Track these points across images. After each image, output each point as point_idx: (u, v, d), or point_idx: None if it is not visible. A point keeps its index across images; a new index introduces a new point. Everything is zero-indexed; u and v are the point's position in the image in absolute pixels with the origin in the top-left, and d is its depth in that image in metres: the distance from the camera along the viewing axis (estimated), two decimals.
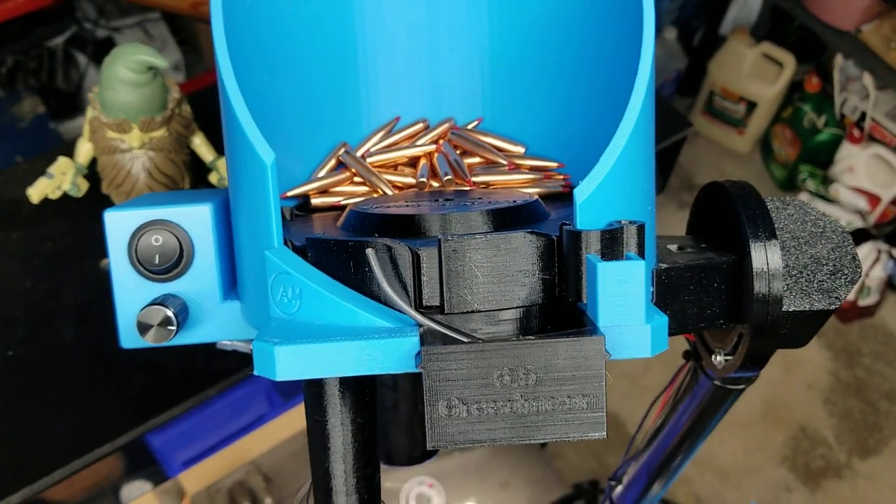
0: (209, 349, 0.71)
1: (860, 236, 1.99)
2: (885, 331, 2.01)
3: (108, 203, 0.77)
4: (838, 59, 2.02)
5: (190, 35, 2.00)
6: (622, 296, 0.34)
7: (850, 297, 1.97)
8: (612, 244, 0.36)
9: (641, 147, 0.39)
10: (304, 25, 0.51)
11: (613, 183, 0.37)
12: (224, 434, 0.90)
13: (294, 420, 0.98)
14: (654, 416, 0.61)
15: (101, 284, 0.74)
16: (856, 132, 1.99)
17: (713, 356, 0.47)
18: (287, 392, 0.93)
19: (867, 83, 1.96)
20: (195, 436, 0.85)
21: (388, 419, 0.49)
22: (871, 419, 1.87)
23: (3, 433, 0.65)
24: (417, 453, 0.50)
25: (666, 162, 0.86)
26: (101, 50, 1.91)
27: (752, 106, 2.15)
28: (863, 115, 1.99)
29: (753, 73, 2.12)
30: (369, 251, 0.36)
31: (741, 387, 0.53)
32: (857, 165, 2.00)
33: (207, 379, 0.68)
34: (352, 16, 0.52)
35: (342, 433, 0.39)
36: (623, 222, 0.36)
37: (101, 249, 0.76)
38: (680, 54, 2.25)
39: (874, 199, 2.01)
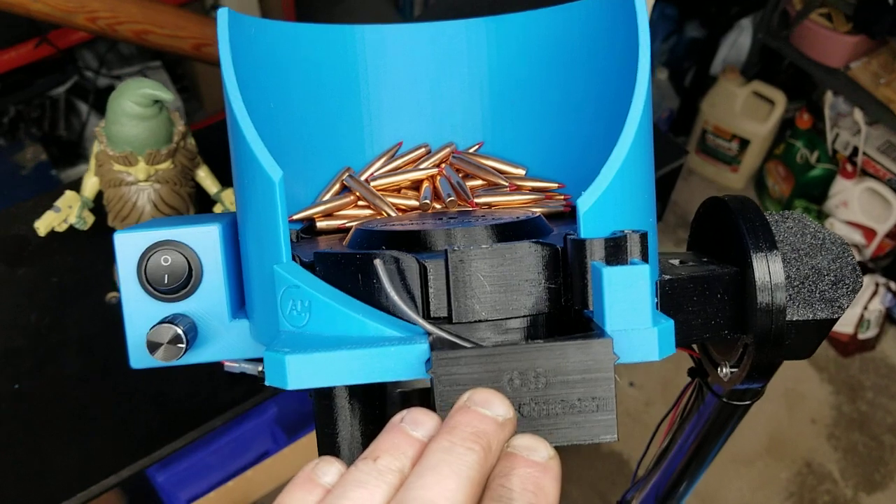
0: (214, 380, 0.72)
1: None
2: (887, 364, 2.01)
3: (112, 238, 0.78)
4: (828, 96, 2.05)
5: (190, 83, 2.03)
6: (628, 300, 0.34)
7: (850, 330, 1.97)
8: (616, 252, 0.36)
9: (641, 160, 0.40)
10: (309, 56, 0.52)
11: (615, 193, 0.38)
12: (228, 471, 0.90)
13: (298, 456, 0.97)
14: (662, 436, 0.61)
15: (106, 317, 0.74)
16: (848, 167, 2.02)
17: (719, 369, 0.48)
18: (291, 428, 0.93)
19: (858, 119, 1.98)
20: (199, 472, 0.84)
21: None
22: (875, 453, 1.86)
23: (8, 465, 0.65)
24: None
25: (663, 189, 0.87)
26: (102, 98, 1.94)
27: (744, 143, 2.18)
28: (855, 150, 2.02)
29: (745, 111, 2.15)
30: (377, 261, 0.36)
31: (747, 402, 0.53)
32: (851, 200, 2.02)
33: (212, 410, 0.68)
34: (355, 47, 0.53)
35: (351, 445, 0.39)
36: (626, 231, 0.37)
37: (106, 283, 0.77)
38: (672, 94, 2.28)
39: (870, 233, 2.02)
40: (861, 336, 1.98)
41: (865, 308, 1.95)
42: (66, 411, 0.68)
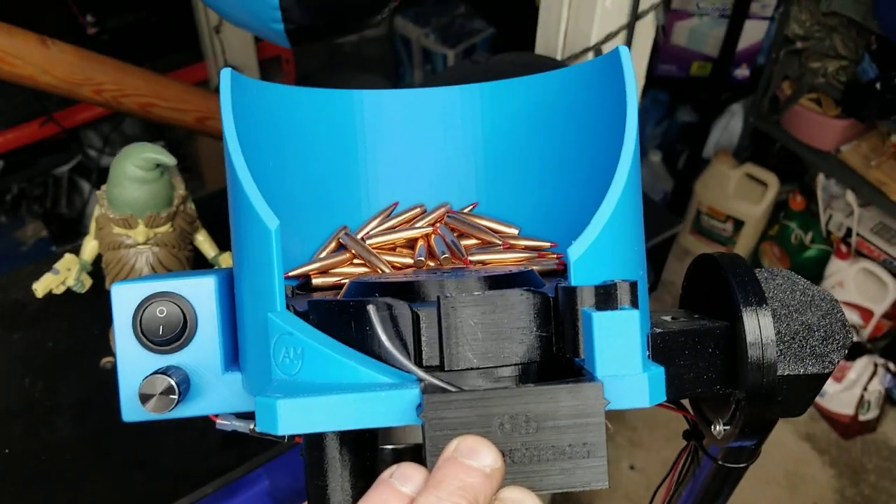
0: (205, 445, 0.71)
1: (855, 351, 1.99)
2: (889, 446, 1.98)
3: (109, 302, 0.78)
4: (820, 178, 2.09)
5: (192, 163, 2.07)
6: (618, 345, 0.35)
7: (851, 411, 1.95)
8: (606, 299, 0.36)
9: (630, 212, 0.41)
10: (309, 118, 0.54)
11: (605, 243, 0.39)
12: None
13: None
14: (660, 502, 0.60)
15: (100, 383, 0.74)
16: (843, 248, 2.03)
17: (713, 426, 0.47)
18: (283, 501, 0.91)
19: (850, 200, 2.01)
20: None
21: None
22: None
23: None
24: None
25: (656, 260, 0.88)
26: (105, 178, 1.97)
27: (739, 224, 2.20)
28: (849, 231, 2.04)
29: (738, 192, 2.18)
30: (370, 308, 0.37)
31: (742, 465, 0.53)
32: (846, 280, 2.03)
33: (204, 476, 0.67)
34: (353, 110, 0.55)
35: (342, 498, 0.39)
36: (616, 280, 0.37)
37: (101, 348, 0.77)
38: (666, 176, 2.32)
39: (867, 314, 2.02)
40: (862, 417, 1.96)
41: (865, 389, 1.94)
42: (56, 477, 0.67)
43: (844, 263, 2.03)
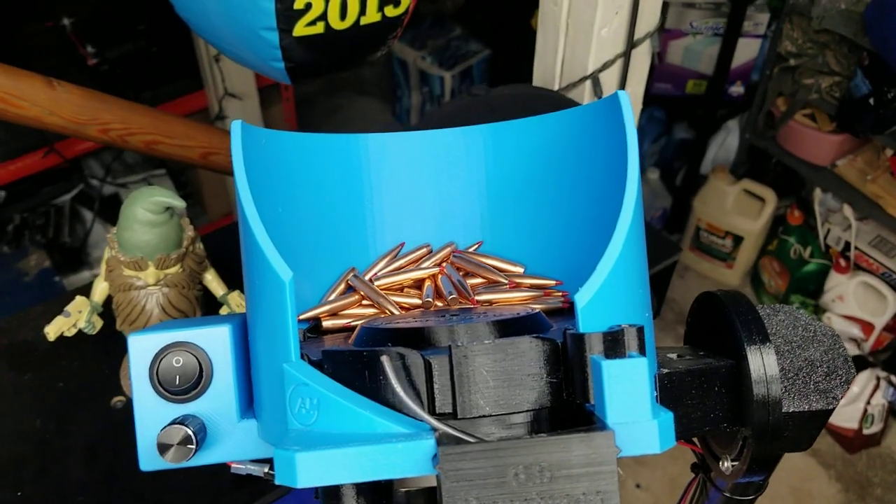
0: (216, 485, 0.71)
1: (857, 364, 2.00)
2: (894, 459, 1.98)
3: (120, 341, 0.79)
4: (818, 193, 2.10)
5: (194, 190, 2.08)
6: (628, 392, 0.35)
7: (855, 426, 1.95)
8: (614, 345, 0.37)
9: (634, 257, 0.42)
10: (315, 163, 0.55)
11: (611, 289, 0.39)
12: None
13: None
14: None
15: (111, 423, 0.75)
16: (842, 262, 2.04)
17: (720, 462, 0.48)
18: None
19: (848, 214, 2.02)
20: None
21: None
22: None
23: None
24: None
25: (659, 285, 0.89)
26: (107, 206, 1.98)
27: (738, 240, 2.21)
28: (847, 245, 2.05)
29: (736, 208, 2.19)
30: (384, 358, 0.38)
31: (750, 497, 0.53)
32: (846, 294, 2.04)
33: None
34: (359, 154, 0.56)
35: None
36: (623, 325, 0.38)
37: (112, 387, 0.77)
38: (664, 193, 2.33)
39: (867, 327, 2.03)
40: (866, 431, 1.96)
41: (868, 403, 1.94)
42: None
43: (844, 277, 2.04)
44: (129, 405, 0.76)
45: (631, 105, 0.47)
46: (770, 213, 2.17)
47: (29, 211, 1.93)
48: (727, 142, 2.29)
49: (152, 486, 0.70)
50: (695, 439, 0.54)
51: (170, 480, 0.71)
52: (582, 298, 0.39)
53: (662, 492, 1.87)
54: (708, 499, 0.56)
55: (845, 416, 1.96)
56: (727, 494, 0.53)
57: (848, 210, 2.02)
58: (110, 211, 1.97)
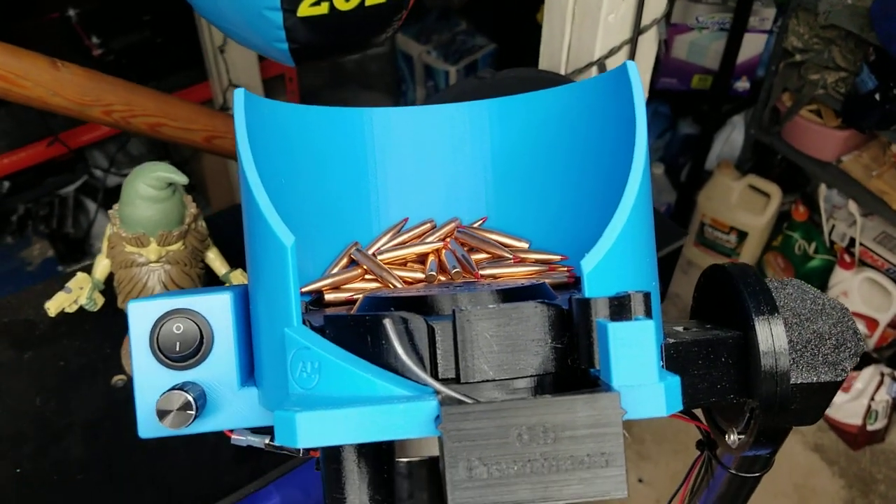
0: (216, 462, 0.71)
1: (862, 361, 1.99)
2: None
3: (121, 320, 0.79)
4: (822, 189, 2.09)
5: (198, 181, 2.08)
6: (634, 355, 0.35)
7: (858, 422, 1.94)
8: (620, 310, 0.37)
9: (642, 223, 0.42)
10: (319, 136, 0.54)
11: (618, 254, 0.39)
12: None
13: None
14: None
15: (112, 401, 0.74)
16: (846, 257, 2.04)
17: (727, 436, 0.48)
18: None
19: (853, 210, 2.02)
20: None
21: None
22: None
23: None
24: None
25: (663, 272, 0.88)
26: (111, 197, 1.98)
27: (742, 235, 2.20)
28: (852, 241, 2.04)
29: (741, 204, 2.19)
30: (387, 321, 0.37)
31: (756, 474, 0.53)
32: (851, 290, 2.03)
33: (215, 493, 0.67)
34: (363, 128, 0.56)
35: None
36: (629, 292, 0.38)
37: (112, 366, 0.77)
38: (669, 188, 2.33)
39: (872, 323, 2.02)
40: (870, 427, 1.95)
41: (872, 399, 1.93)
42: (68, 495, 0.67)
43: (848, 273, 2.03)
44: (129, 384, 0.76)
45: (639, 75, 0.46)
46: (775, 209, 2.16)
47: (33, 201, 1.93)
48: (732, 137, 2.28)
49: (153, 464, 0.70)
50: (700, 416, 0.53)
51: (171, 458, 0.70)
52: (588, 263, 0.38)
53: (664, 486, 1.86)
54: (713, 477, 0.55)
55: (849, 412, 1.95)
56: (733, 471, 0.53)
57: (853, 206, 2.02)
58: (114, 202, 1.96)
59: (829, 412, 1.99)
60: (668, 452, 1.89)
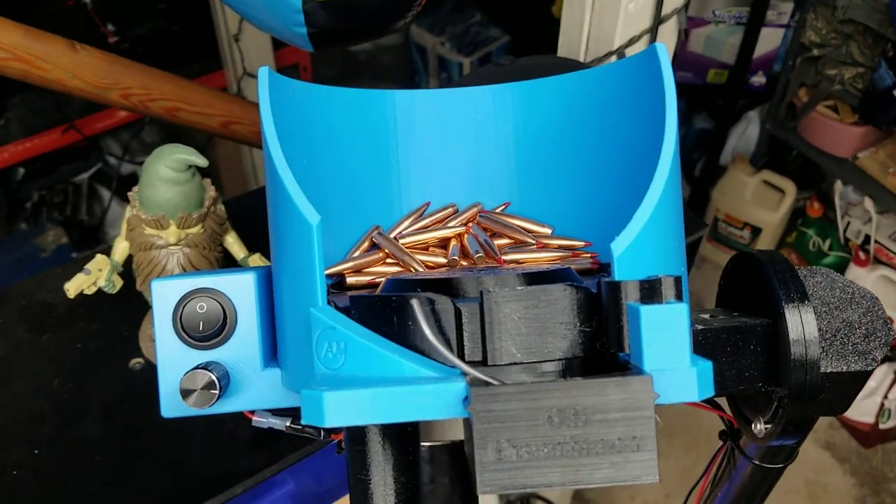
0: (233, 446, 0.71)
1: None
2: None
3: (139, 303, 0.79)
4: (838, 185, 2.08)
5: (211, 168, 2.08)
6: (666, 339, 0.34)
7: (871, 420, 1.93)
8: (651, 293, 0.36)
9: (672, 208, 0.41)
10: (341, 118, 0.54)
11: (649, 237, 0.38)
12: None
13: None
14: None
15: (130, 384, 0.74)
16: (861, 255, 2.02)
17: (753, 425, 0.47)
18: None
19: (868, 207, 2.00)
20: None
21: (425, 495, 0.48)
22: None
23: None
24: None
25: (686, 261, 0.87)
26: (125, 185, 1.99)
27: (756, 231, 2.19)
28: (867, 238, 2.03)
29: (755, 199, 2.17)
30: (414, 302, 0.37)
31: (779, 466, 0.52)
32: None
33: (232, 477, 0.67)
34: (385, 110, 0.55)
35: (385, 492, 0.39)
36: (660, 275, 0.37)
37: (131, 349, 0.77)
38: (682, 183, 2.32)
39: None
40: (882, 426, 1.94)
41: (885, 397, 1.92)
42: (85, 477, 0.67)
43: (863, 271, 2.02)
44: (148, 367, 0.76)
45: (668, 57, 0.46)
46: (789, 205, 2.15)
47: (47, 188, 1.93)
48: (747, 132, 2.27)
49: (170, 448, 0.70)
50: (724, 405, 0.53)
51: (188, 442, 0.70)
52: (619, 246, 0.38)
53: (675, 482, 1.86)
54: (735, 468, 0.55)
55: (861, 410, 1.94)
56: (756, 462, 0.52)
57: (868, 203, 2.00)
58: (128, 190, 1.97)
59: None
60: (678, 448, 1.89)
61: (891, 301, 1.99)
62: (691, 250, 0.90)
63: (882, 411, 1.92)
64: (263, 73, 0.46)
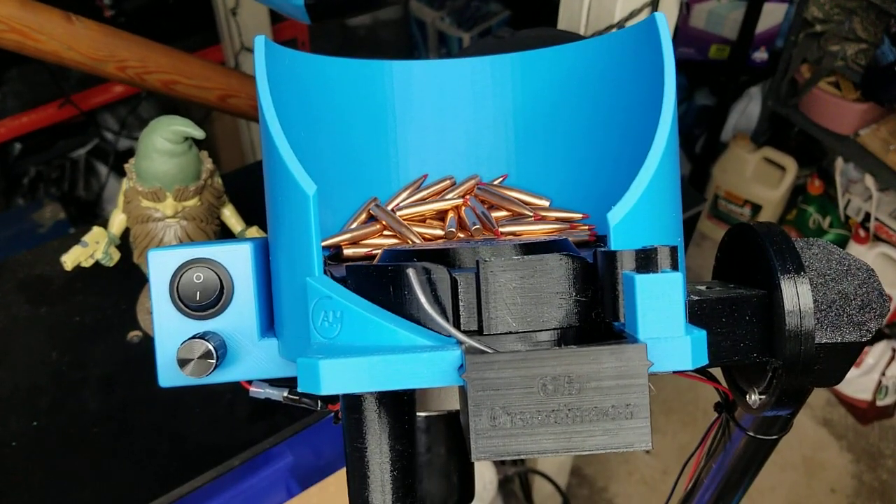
0: (232, 419, 0.71)
1: (873, 336, 1.98)
2: None
3: (137, 276, 0.79)
4: (839, 163, 2.07)
5: (208, 144, 2.08)
6: (661, 308, 0.34)
7: (868, 397, 1.94)
8: (646, 263, 0.36)
9: (669, 179, 0.41)
10: (338, 89, 0.53)
11: (645, 207, 0.38)
12: None
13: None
14: (688, 477, 0.60)
15: (127, 357, 0.74)
16: (861, 232, 2.02)
17: (747, 396, 0.47)
18: (305, 478, 0.91)
19: (869, 185, 2.00)
20: None
21: (422, 464, 0.48)
22: None
23: (23, 502, 0.64)
24: (452, 502, 0.49)
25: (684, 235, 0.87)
26: (122, 160, 1.98)
27: (757, 208, 2.19)
28: (867, 216, 2.02)
29: (756, 177, 2.17)
30: (410, 271, 0.37)
31: (774, 437, 0.53)
32: None
33: (230, 449, 0.68)
34: (383, 81, 0.55)
35: (381, 460, 0.39)
36: (656, 245, 0.37)
37: (128, 322, 0.77)
38: (683, 160, 2.31)
39: None
40: (879, 403, 1.95)
41: (883, 374, 1.93)
42: (83, 449, 0.68)
43: (863, 248, 2.02)
44: (145, 340, 0.76)
45: (668, 26, 0.46)
46: (790, 182, 2.14)
47: (44, 164, 1.93)
48: (749, 109, 2.26)
49: (168, 420, 0.70)
50: (719, 377, 0.53)
51: (185, 414, 0.71)
52: (615, 216, 0.38)
53: (672, 458, 1.87)
54: (730, 440, 0.55)
55: (859, 387, 1.95)
56: (751, 433, 0.52)
57: (869, 180, 2.00)
58: (125, 165, 1.96)
59: (839, 386, 1.98)
60: (676, 423, 1.90)
61: (890, 278, 1.99)
62: (690, 225, 0.90)
63: (879, 388, 1.93)
64: (260, 41, 0.45)
